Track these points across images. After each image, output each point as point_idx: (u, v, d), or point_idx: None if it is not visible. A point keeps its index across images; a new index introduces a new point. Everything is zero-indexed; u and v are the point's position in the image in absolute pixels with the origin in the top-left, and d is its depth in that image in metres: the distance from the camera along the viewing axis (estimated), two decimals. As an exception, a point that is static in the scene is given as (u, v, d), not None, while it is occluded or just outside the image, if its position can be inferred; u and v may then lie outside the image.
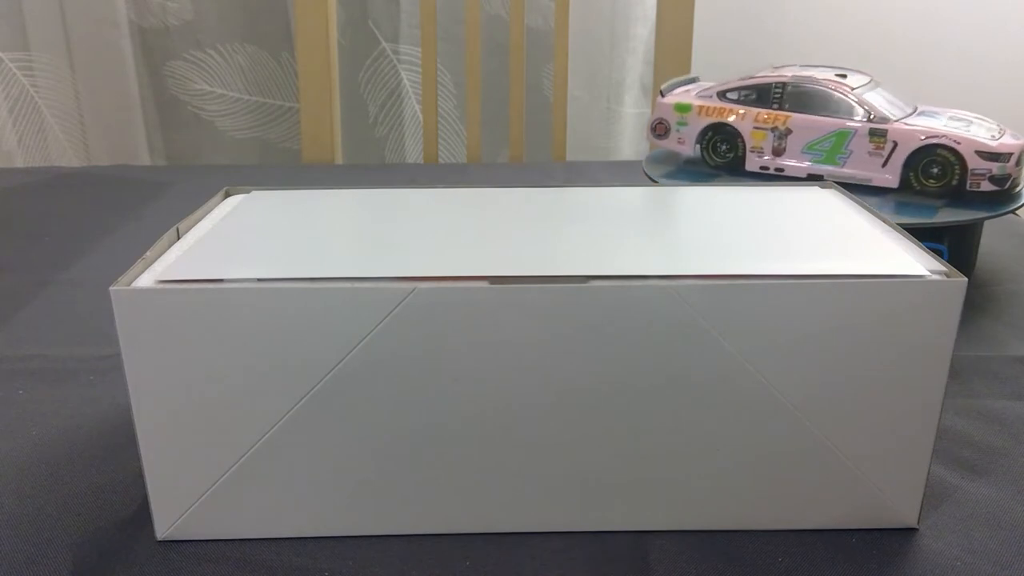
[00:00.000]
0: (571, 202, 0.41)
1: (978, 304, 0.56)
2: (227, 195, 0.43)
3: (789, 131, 0.62)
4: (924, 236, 0.52)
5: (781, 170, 0.63)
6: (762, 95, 0.64)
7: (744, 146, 0.64)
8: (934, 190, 0.58)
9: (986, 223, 0.66)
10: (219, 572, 0.33)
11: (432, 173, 0.90)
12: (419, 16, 1.00)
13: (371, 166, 1.15)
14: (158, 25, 1.22)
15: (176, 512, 0.34)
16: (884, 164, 0.59)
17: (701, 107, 0.66)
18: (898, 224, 0.38)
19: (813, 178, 0.62)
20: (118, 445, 0.41)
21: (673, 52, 0.97)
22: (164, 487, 0.34)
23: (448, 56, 1.25)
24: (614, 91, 1.31)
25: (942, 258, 0.34)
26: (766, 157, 0.63)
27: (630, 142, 1.35)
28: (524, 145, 1.02)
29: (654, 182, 0.64)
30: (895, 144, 0.59)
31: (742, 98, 0.65)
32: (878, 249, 0.35)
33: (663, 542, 0.35)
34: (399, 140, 1.32)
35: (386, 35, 1.26)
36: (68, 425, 0.43)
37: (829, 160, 0.61)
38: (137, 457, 0.34)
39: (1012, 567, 0.34)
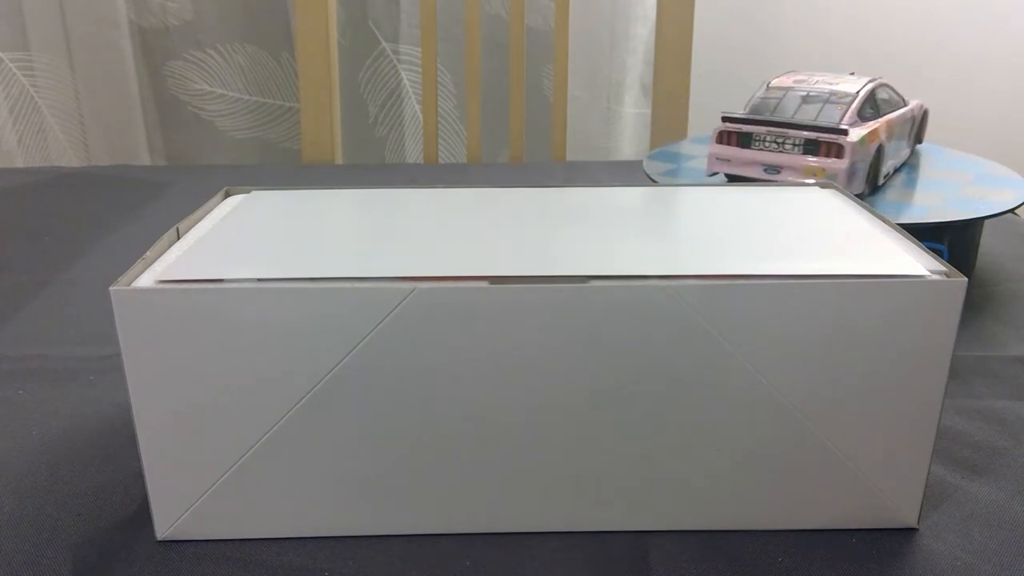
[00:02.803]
0: (571, 202, 0.41)
1: (978, 304, 0.56)
2: (227, 195, 0.43)
3: (893, 133, 0.61)
4: (924, 236, 0.52)
5: (889, 174, 0.61)
6: (872, 106, 0.59)
7: (881, 161, 0.59)
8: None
9: (986, 223, 0.66)
10: (219, 572, 0.33)
11: (432, 173, 0.90)
12: (419, 16, 1.00)
13: (371, 166, 1.15)
14: (158, 25, 1.22)
15: (176, 512, 0.34)
16: (909, 138, 0.66)
17: (869, 133, 0.56)
18: (898, 224, 0.38)
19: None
20: (118, 445, 0.41)
21: (673, 52, 0.97)
22: (164, 487, 0.34)
23: (448, 56, 1.25)
24: (614, 91, 1.31)
25: (942, 258, 0.34)
26: (884, 167, 0.60)
27: (630, 142, 1.35)
28: (524, 145, 1.02)
29: (654, 182, 0.64)
30: (914, 119, 0.66)
31: (869, 114, 0.59)
32: (878, 249, 0.35)
33: (663, 542, 0.35)
34: (399, 140, 1.32)
35: (386, 35, 1.26)
36: (68, 425, 0.43)
37: (899, 149, 0.64)
38: (137, 457, 0.34)
39: (1012, 567, 0.34)
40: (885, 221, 0.38)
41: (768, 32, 1.39)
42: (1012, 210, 0.56)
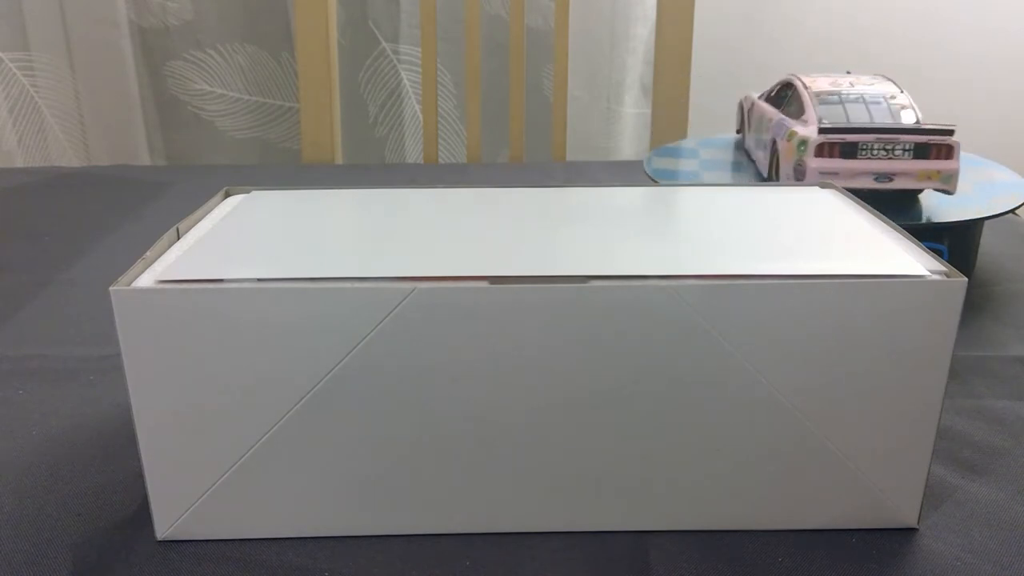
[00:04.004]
0: (571, 202, 0.41)
1: (978, 304, 0.56)
2: (227, 195, 0.43)
3: None
4: (924, 236, 0.52)
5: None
6: None
7: None
8: None
9: (986, 223, 0.66)
10: (219, 572, 0.33)
11: (432, 173, 0.90)
12: (419, 16, 1.00)
13: (371, 166, 1.15)
14: (158, 25, 1.22)
15: (176, 512, 0.34)
16: None
17: None
18: (898, 224, 0.38)
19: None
20: (118, 445, 0.41)
21: (673, 52, 0.97)
22: (164, 487, 0.34)
23: (448, 56, 1.25)
24: (614, 91, 1.31)
25: (942, 258, 0.34)
26: None
27: (630, 142, 1.35)
28: (524, 145, 1.02)
29: (654, 182, 0.64)
30: None
31: None
32: (878, 249, 0.35)
33: (663, 542, 0.35)
34: (399, 140, 1.32)
35: (386, 35, 1.26)
36: (68, 425, 0.43)
37: None
38: (137, 457, 0.34)
39: (1012, 567, 0.34)
40: (885, 221, 0.38)
41: (768, 32, 1.39)
42: (1012, 210, 0.56)
